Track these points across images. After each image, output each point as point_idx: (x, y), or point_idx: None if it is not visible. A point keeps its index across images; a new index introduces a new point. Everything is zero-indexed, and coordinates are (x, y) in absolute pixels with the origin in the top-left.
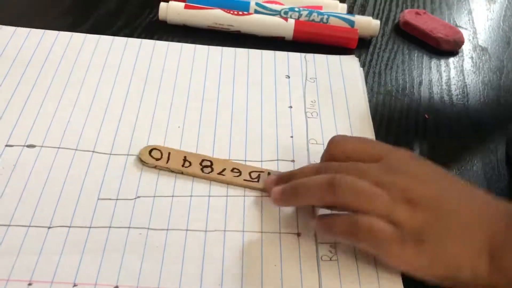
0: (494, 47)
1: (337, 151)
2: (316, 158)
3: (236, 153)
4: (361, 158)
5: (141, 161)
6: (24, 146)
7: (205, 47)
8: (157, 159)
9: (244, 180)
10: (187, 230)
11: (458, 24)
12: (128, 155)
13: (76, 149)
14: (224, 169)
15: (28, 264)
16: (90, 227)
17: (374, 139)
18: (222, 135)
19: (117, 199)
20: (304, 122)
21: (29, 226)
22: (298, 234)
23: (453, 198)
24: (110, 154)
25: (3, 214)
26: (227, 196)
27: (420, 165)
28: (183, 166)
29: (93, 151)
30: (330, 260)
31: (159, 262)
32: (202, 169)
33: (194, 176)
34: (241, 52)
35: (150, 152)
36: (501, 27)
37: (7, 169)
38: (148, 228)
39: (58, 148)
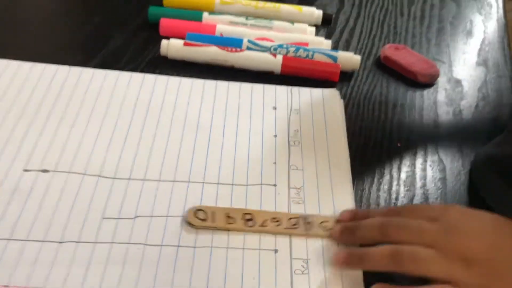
0: (468, 79)
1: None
2: (296, 183)
3: (224, 177)
4: (419, 217)
5: (189, 223)
6: (39, 171)
7: (201, 81)
8: (203, 220)
9: (285, 228)
10: (178, 246)
11: (436, 58)
12: (130, 179)
13: (84, 174)
14: (265, 220)
15: (42, 273)
16: (95, 243)
17: (349, 165)
18: (213, 161)
19: (118, 218)
20: (287, 150)
21: (43, 241)
22: (276, 251)
23: (507, 246)
24: (114, 178)
25: (22, 230)
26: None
27: (473, 221)
28: (228, 223)
29: (99, 176)
30: (302, 273)
31: (153, 273)
32: (245, 223)
33: (240, 231)
34: (234, 85)
35: (195, 213)
36: (475, 61)
37: (25, 191)
38: (145, 244)
39: (69, 172)
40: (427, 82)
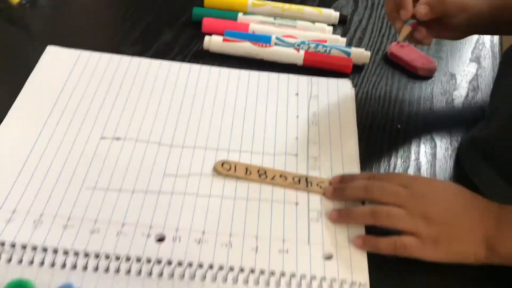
0: (461, 73)
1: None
2: (313, 153)
3: (256, 148)
4: (394, 183)
5: (216, 171)
6: (113, 139)
7: (237, 71)
8: (228, 170)
9: (290, 183)
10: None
11: (435, 55)
12: (183, 147)
13: (147, 142)
14: (274, 176)
15: (120, 214)
16: (159, 192)
17: (357, 141)
18: (247, 135)
19: (176, 175)
20: (306, 128)
21: (120, 190)
22: (296, 204)
23: (457, 209)
24: (171, 145)
25: (103, 182)
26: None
27: (433, 189)
28: (246, 175)
29: (159, 143)
30: (317, 221)
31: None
32: (259, 176)
33: (254, 181)
34: (263, 75)
35: (222, 165)
36: (469, 57)
37: (102, 155)
38: (197, 194)
39: (136, 140)
40: (426, 75)
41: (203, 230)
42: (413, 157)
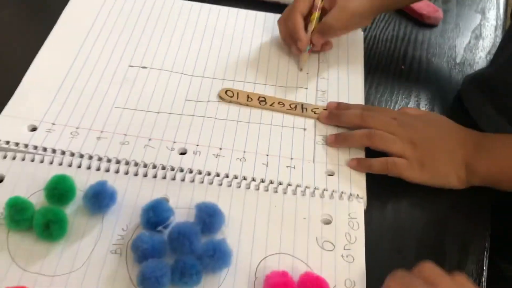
0: (465, 22)
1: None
2: (322, 87)
3: (271, 81)
4: (386, 114)
5: (220, 98)
6: (140, 67)
7: (245, 10)
8: (231, 97)
9: (287, 109)
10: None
11: (443, 6)
12: (203, 77)
13: (171, 71)
14: (273, 103)
15: (147, 131)
16: (181, 115)
17: (363, 79)
18: (262, 69)
19: (196, 101)
20: (317, 64)
21: (146, 111)
22: (304, 129)
23: (440, 135)
24: (192, 75)
25: (131, 103)
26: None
27: (420, 119)
28: (247, 101)
29: (181, 73)
30: (322, 145)
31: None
32: (259, 103)
33: (254, 107)
34: (271, 16)
35: (226, 92)
36: (474, 9)
37: (131, 81)
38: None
39: (160, 70)
40: (432, 23)
41: (220, 147)
42: (413, 94)
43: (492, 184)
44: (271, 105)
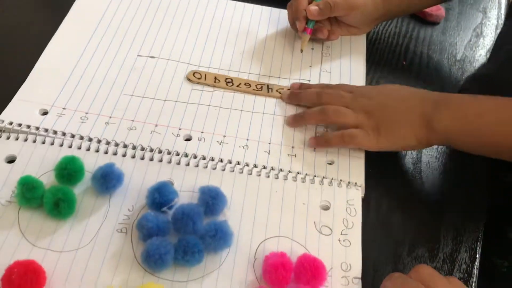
0: (466, 21)
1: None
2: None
3: (275, 73)
4: (343, 90)
5: (188, 79)
6: (148, 57)
7: (251, 5)
8: (198, 78)
9: (253, 89)
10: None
11: (447, 5)
12: (209, 67)
13: (178, 61)
14: (239, 84)
15: (154, 117)
16: (187, 103)
17: (365, 73)
18: (275, 64)
19: (202, 90)
20: (320, 58)
21: (154, 98)
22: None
23: (395, 100)
24: (198, 66)
25: (139, 91)
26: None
27: (375, 90)
28: (214, 82)
29: (188, 63)
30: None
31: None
32: (227, 84)
33: (222, 88)
34: (275, 11)
35: (193, 74)
36: (476, 8)
37: (139, 69)
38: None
39: (168, 60)
40: (434, 21)
41: (224, 134)
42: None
43: (451, 143)
44: (238, 85)
